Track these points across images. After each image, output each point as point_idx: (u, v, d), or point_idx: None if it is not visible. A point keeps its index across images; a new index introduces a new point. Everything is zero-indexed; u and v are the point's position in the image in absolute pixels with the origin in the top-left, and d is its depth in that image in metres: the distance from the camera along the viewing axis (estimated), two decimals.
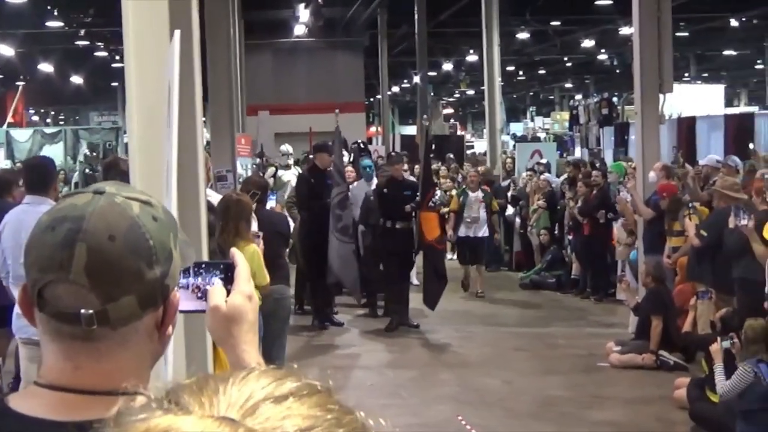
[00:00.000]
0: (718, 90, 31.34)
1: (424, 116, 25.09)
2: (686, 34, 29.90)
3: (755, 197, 8.83)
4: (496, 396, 8.32)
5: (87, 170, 22.07)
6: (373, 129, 37.78)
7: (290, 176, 14.61)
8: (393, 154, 14.79)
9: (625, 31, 25.84)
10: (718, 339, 7.15)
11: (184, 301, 1.49)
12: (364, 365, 9.63)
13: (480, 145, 34.65)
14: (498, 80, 20.55)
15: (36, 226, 1.34)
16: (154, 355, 1.39)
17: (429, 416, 7.67)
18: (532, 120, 47.36)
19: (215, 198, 6.91)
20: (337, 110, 12.51)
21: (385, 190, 11.22)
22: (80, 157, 25.13)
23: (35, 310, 1.32)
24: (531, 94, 55.00)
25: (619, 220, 12.39)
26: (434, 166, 16.23)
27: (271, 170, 16.12)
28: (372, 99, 40.13)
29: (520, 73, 44.77)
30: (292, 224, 10.38)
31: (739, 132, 19.12)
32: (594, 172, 13.45)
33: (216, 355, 4.55)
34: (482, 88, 22.33)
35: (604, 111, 23.98)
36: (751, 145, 17.55)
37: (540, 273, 14.18)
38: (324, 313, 11.20)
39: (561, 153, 25.41)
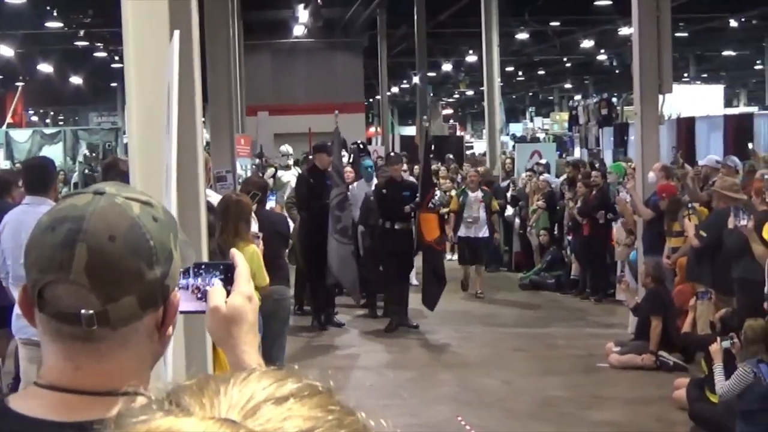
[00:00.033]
0: (717, 90, 31.32)
1: (424, 117, 25.18)
2: (686, 34, 29.91)
3: (755, 197, 8.83)
4: (495, 396, 8.32)
5: (86, 171, 22.07)
6: (372, 129, 37.79)
7: (290, 177, 14.61)
8: (392, 154, 14.79)
9: (624, 31, 25.84)
10: (718, 339, 7.16)
11: (184, 301, 1.49)
12: (363, 366, 9.63)
13: (479, 146, 34.67)
14: (497, 81, 20.56)
15: (36, 226, 1.34)
16: (154, 355, 1.39)
17: (428, 417, 7.67)
18: (532, 120, 47.37)
19: (215, 198, 6.91)
20: (336, 111, 12.51)
21: (384, 190, 11.22)
22: (80, 158, 25.13)
23: (35, 310, 1.32)
24: (530, 94, 55.01)
25: (619, 221, 12.39)
26: (434, 167, 16.22)
27: (270, 171, 16.12)
28: (371, 99, 40.15)
29: (520, 73, 44.78)
30: (291, 225, 10.38)
31: (738, 132, 19.12)
32: (593, 173, 13.45)
33: (216, 356, 4.55)
34: (481, 88, 22.32)
35: (604, 111, 23.99)
36: (750, 146, 17.53)
37: (539, 273, 14.18)
38: (326, 313, 11.20)
39: (560, 153, 25.40)
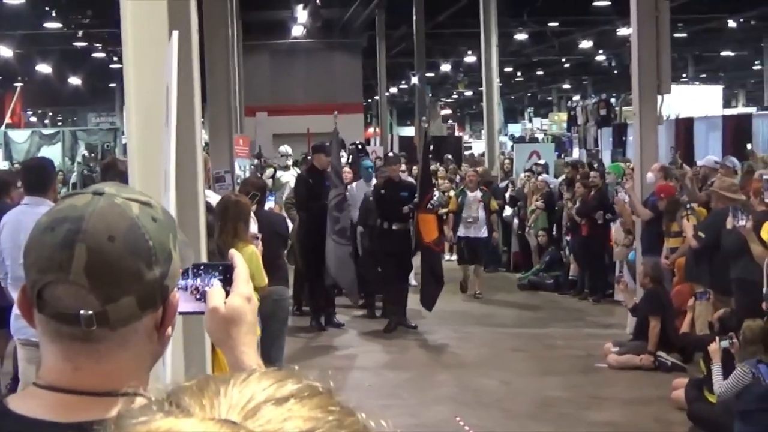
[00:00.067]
0: (716, 91, 31.31)
1: (423, 117, 25.23)
2: (684, 34, 29.92)
3: (753, 198, 8.82)
4: (493, 397, 8.32)
5: (85, 171, 22.05)
6: (371, 130, 37.79)
7: (289, 177, 14.60)
8: (390, 155, 14.78)
9: (623, 31, 25.83)
10: (717, 339, 7.16)
11: (183, 302, 1.49)
12: (362, 366, 9.63)
13: (478, 146, 34.65)
14: (496, 81, 20.55)
15: (35, 227, 1.34)
16: (153, 355, 1.39)
17: (427, 417, 7.67)
18: (530, 121, 47.38)
19: (214, 199, 6.91)
20: (335, 112, 12.50)
21: (382, 191, 11.21)
22: (78, 158, 25.10)
23: (34, 311, 1.32)
24: (529, 94, 55.00)
25: (617, 221, 12.39)
26: (432, 167, 16.22)
27: (269, 171, 16.12)
28: (370, 100, 40.12)
29: (518, 74, 44.77)
30: (290, 225, 10.38)
31: (737, 133, 19.14)
32: (592, 173, 13.45)
33: (215, 356, 4.55)
34: (480, 89, 22.30)
35: (602, 112, 24.03)
36: (748, 146, 17.53)
37: (538, 274, 14.18)
38: (326, 313, 11.19)
39: (559, 154, 25.42)
